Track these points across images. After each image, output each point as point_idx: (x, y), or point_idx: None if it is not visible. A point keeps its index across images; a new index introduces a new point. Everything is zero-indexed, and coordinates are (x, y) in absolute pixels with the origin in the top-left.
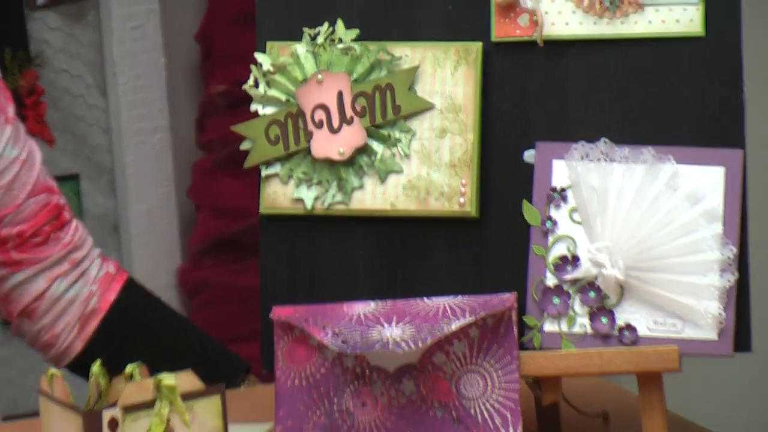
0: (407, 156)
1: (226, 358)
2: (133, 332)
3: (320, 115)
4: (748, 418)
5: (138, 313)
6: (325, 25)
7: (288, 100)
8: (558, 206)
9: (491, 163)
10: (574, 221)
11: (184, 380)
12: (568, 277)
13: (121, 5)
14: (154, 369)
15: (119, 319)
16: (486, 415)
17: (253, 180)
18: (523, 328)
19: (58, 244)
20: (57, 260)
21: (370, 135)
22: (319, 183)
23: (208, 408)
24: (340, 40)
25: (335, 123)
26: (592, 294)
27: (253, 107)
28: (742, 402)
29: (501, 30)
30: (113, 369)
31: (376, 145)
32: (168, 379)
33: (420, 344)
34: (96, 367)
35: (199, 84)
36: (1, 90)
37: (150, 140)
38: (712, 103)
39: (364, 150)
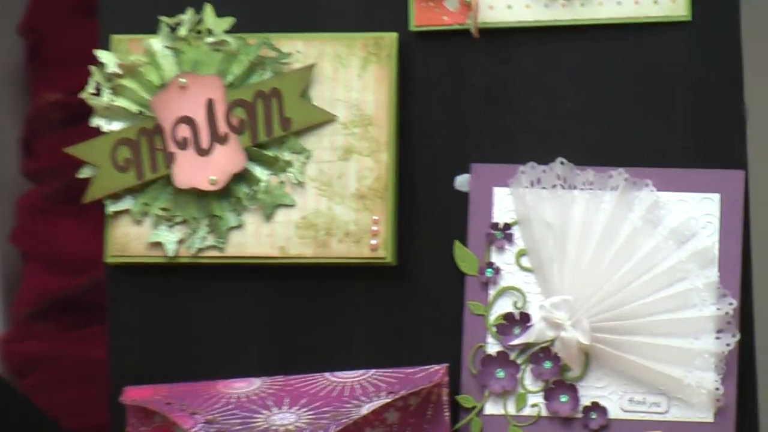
0: (301, 185)
1: None
2: None
3: (184, 131)
4: None
5: None
6: (189, 12)
7: (141, 113)
8: (501, 249)
9: (413, 193)
10: (522, 268)
11: None
12: (516, 342)
13: None
14: None
15: None
16: None
17: (98, 219)
18: (457, 410)
19: None
20: None
21: (252, 158)
22: (184, 222)
23: None
24: (210, 32)
25: (204, 142)
26: (547, 364)
27: (95, 122)
28: None
29: (423, 16)
30: None
31: (259, 171)
32: None
33: None
34: None
35: (24, 92)
36: None
37: None
38: (704, 110)
39: (243, 177)
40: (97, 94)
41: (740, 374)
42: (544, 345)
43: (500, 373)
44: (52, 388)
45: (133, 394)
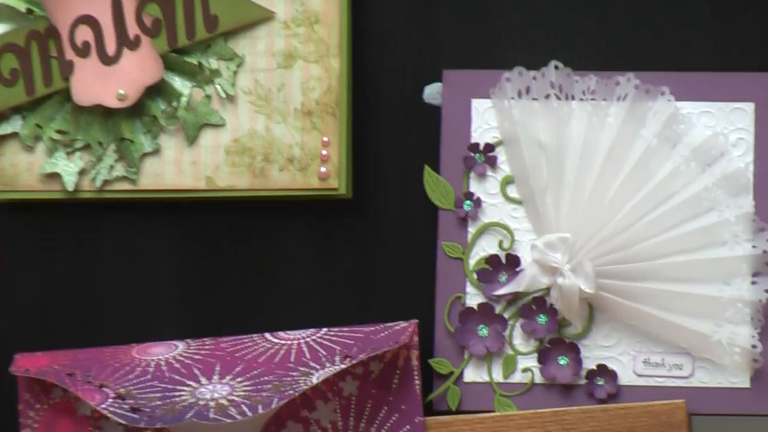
0: (231, 99)
1: None
2: None
3: (85, 34)
4: None
5: None
6: None
7: (30, 11)
8: (483, 176)
9: (371, 108)
10: (509, 200)
11: None
12: (503, 291)
13: None
14: None
15: None
16: None
17: None
18: (431, 378)
19: None
20: None
21: (169, 66)
22: (87, 148)
23: None
24: None
25: (110, 48)
26: (541, 319)
27: None
28: None
29: None
30: None
31: (179, 83)
32: None
33: (261, 410)
34: None
35: None
36: None
37: None
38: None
39: (159, 91)
40: None
41: None
42: (537, 295)
43: (483, 331)
44: None
45: (26, 363)
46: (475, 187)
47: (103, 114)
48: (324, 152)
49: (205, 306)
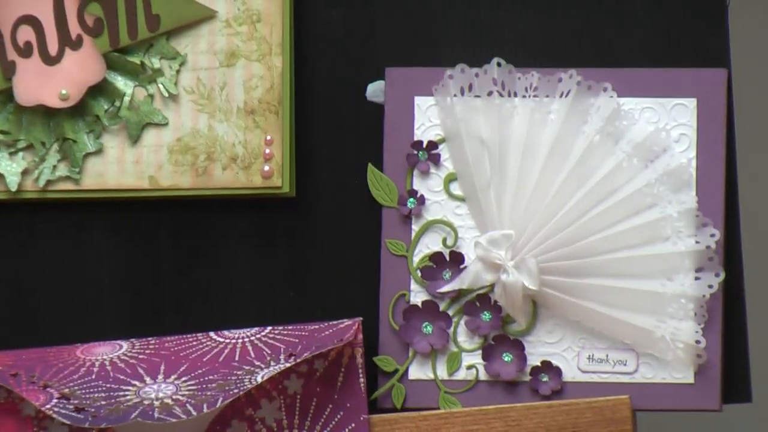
0: (174, 98)
1: None
2: None
3: (26, 34)
4: None
5: None
6: None
7: None
8: (426, 173)
9: (313, 107)
10: (452, 197)
11: None
12: (447, 288)
13: None
14: None
15: None
16: None
17: None
18: (375, 375)
19: None
20: None
21: (112, 65)
22: (29, 148)
23: None
24: None
25: (52, 48)
26: (485, 316)
27: None
28: None
29: None
30: None
31: (121, 82)
32: None
33: (205, 409)
34: None
35: None
36: None
37: None
38: None
39: (101, 90)
40: None
41: (726, 323)
42: (481, 292)
43: (427, 328)
44: None
45: None
46: (418, 184)
47: (46, 114)
48: (267, 151)
49: (147, 305)
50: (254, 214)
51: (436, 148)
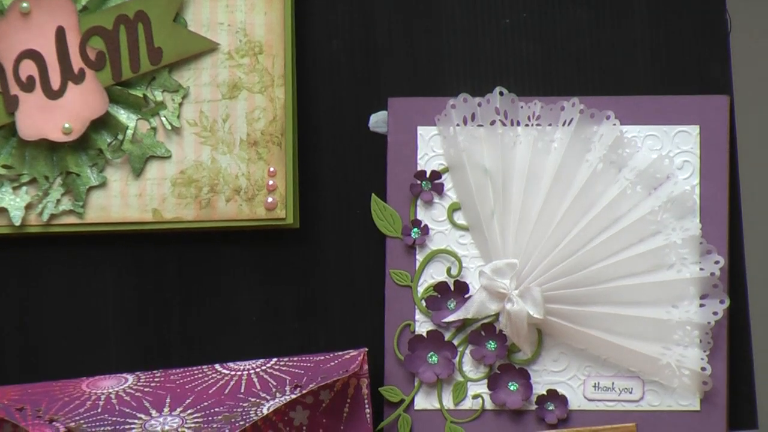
0: (177, 131)
1: None
2: None
3: (29, 69)
4: None
5: None
6: None
7: None
8: (430, 203)
9: (316, 138)
10: (456, 226)
11: None
12: (452, 318)
13: None
14: None
15: None
16: None
17: None
18: (381, 406)
19: None
20: None
21: (114, 99)
22: (33, 182)
23: None
24: None
25: (55, 82)
26: (491, 345)
27: None
28: None
29: None
30: None
31: (124, 116)
32: None
33: None
34: None
35: None
36: None
37: None
38: (676, 22)
39: (104, 124)
40: None
41: (731, 350)
42: (486, 321)
43: (433, 358)
44: None
45: None
46: (422, 214)
47: (49, 148)
48: (270, 182)
49: (152, 338)
50: (258, 246)
51: (440, 177)
